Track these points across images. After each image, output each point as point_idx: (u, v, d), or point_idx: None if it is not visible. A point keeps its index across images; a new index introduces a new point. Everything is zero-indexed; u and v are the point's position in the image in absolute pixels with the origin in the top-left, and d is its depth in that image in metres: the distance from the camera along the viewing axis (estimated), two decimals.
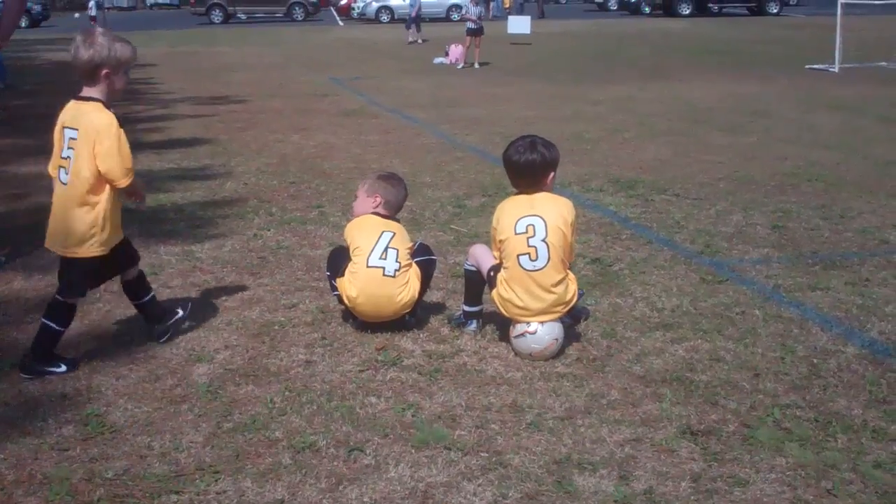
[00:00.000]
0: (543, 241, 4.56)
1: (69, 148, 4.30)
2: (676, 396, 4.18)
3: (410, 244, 5.08)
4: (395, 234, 4.98)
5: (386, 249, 4.90)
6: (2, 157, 10.30)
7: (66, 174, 4.31)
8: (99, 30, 4.41)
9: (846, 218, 7.22)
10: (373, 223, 5.05)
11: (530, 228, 4.58)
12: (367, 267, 4.88)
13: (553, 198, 4.74)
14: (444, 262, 5.91)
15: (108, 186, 4.31)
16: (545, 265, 4.58)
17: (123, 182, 4.29)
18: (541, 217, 4.60)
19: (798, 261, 6.15)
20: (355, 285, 4.88)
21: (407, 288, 4.93)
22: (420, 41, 29.75)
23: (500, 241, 4.69)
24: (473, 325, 4.99)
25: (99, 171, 4.25)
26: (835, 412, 4.01)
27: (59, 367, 4.50)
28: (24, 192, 8.46)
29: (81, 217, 4.31)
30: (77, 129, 4.27)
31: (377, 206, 5.13)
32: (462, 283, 5.18)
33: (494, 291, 4.77)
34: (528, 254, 4.58)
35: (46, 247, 4.51)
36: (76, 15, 43.75)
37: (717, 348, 4.72)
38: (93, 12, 43.76)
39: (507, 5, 43.31)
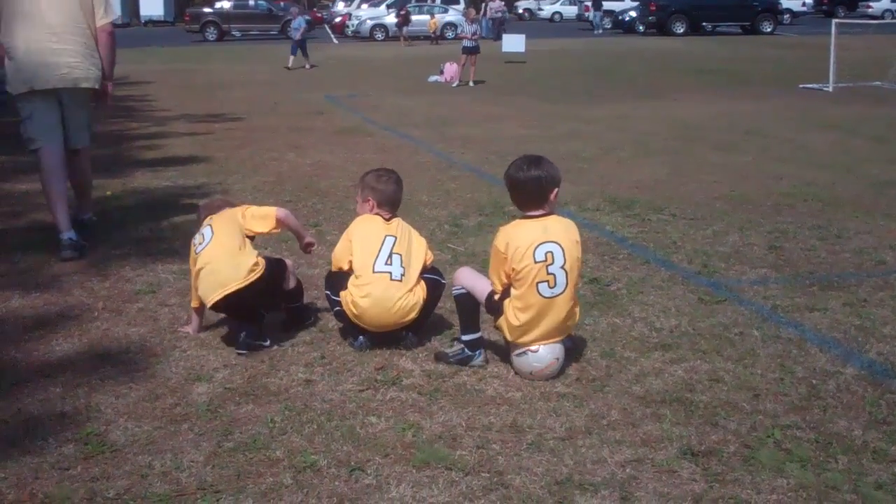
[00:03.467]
0: (562, 267, 4.51)
1: None
2: (677, 417, 4.18)
3: (424, 254, 5.10)
4: (396, 238, 4.98)
5: (390, 255, 4.91)
6: None
7: None
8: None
9: (843, 238, 7.24)
10: (375, 228, 5.04)
11: (549, 256, 4.50)
12: (374, 272, 4.88)
13: (561, 220, 4.68)
14: None
15: None
16: (563, 291, 4.54)
17: None
18: (557, 243, 4.52)
19: (795, 281, 6.17)
20: (362, 290, 4.87)
21: (413, 294, 4.91)
22: (307, 66, 27.93)
23: (516, 269, 4.53)
24: (480, 358, 4.79)
25: None
26: (835, 433, 4.01)
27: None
28: (23, 210, 8.45)
29: None
30: None
31: (373, 209, 5.13)
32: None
33: (502, 319, 4.66)
34: (548, 281, 4.51)
35: None
36: None
37: (716, 369, 4.72)
38: None
39: (432, 29, 42.78)
